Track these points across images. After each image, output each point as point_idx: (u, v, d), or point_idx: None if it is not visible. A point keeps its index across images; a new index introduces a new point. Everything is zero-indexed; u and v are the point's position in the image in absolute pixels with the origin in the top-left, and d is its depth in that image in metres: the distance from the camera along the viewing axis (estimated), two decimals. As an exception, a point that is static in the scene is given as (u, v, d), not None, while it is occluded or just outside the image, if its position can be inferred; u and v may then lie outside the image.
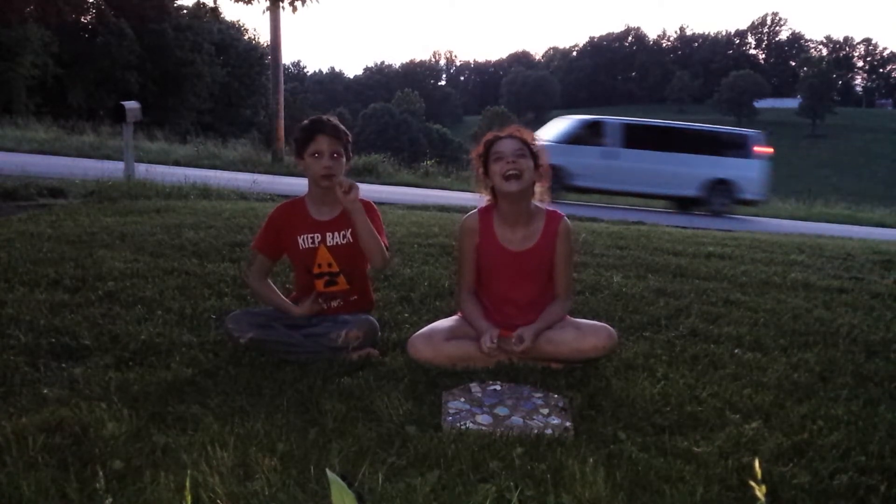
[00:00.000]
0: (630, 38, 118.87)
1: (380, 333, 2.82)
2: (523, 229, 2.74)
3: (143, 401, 2.14)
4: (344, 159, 2.77)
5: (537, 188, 2.74)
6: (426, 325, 2.80)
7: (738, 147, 14.02)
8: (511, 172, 2.61)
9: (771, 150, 14.61)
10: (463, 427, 2.05)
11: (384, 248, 2.75)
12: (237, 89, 45.60)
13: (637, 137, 13.62)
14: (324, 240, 2.80)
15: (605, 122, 14.11)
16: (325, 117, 2.80)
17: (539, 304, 2.75)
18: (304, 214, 2.84)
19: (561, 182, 13.06)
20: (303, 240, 2.80)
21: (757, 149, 14.06)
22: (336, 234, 2.80)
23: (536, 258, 2.73)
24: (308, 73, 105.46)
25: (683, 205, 14.00)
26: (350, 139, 2.81)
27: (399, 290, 3.66)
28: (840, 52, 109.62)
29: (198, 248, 4.42)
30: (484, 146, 2.75)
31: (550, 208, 2.79)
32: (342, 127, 2.78)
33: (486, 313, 2.74)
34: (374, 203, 2.88)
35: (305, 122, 2.80)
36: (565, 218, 2.77)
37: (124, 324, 2.87)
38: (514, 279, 2.74)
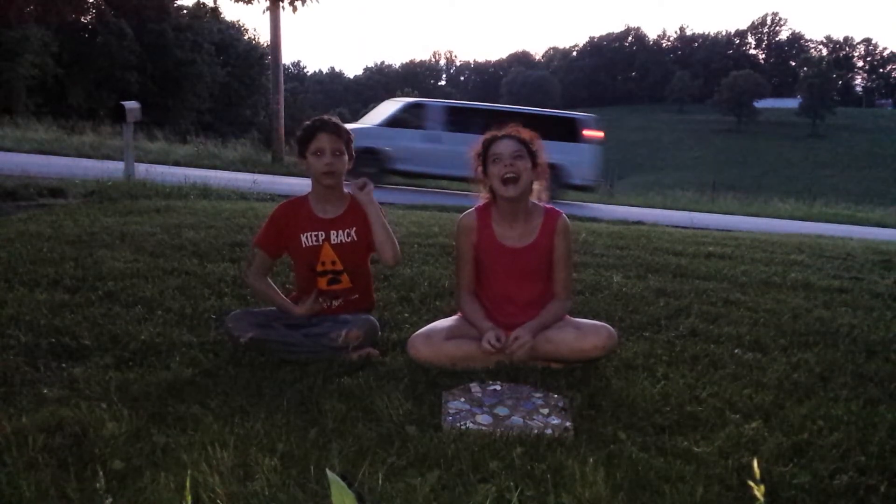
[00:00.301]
0: (630, 38, 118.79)
1: (380, 333, 2.83)
2: (521, 226, 2.74)
3: (143, 401, 2.14)
4: (346, 157, 2.78)
5: (535, 186, 2.74)
6: (426, 325, 2.80)
7: (566, 131, 13.66)
8: (508, 176, 2.62)
9: (601, 134, 14.34)
10: (463, 427, 2.05)
11: (396, 244, 2.79)
12: (237, 89, 45.60)
13: (460, 120, 13.30)
14: (328, 237, 2.80)
15: (427, 105, 13.94)
16: (326, 117, 2.82)
17: (539, 303, 2.75)
18: (308, 212, 2.84)
19: (381, 165, 12.95)
20: (306, 238, 2.81)
21: (587, 133, 13.78)
22: (340, 232, 2.81)
23: (535, 255, 2.73)
24: (308, 73, 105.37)
25: None
26: (352, 138, 2.83)
27: (399, 290, 3.67)
28: (840, 52, 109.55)
29: (198, 248, 4.42)
30: (482, 145, 2.75)
31: (548, 205, 2.79)
32: (344, 126, 2.80)
33: (486, 313, 2.74)
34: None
35: (308, 121, 2.82)
36: (563, 215, 2.78)
37: (124, 324, 2.87)
38: (513, 277, 2.74)
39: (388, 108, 14.40)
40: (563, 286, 2.78)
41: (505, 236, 2.74)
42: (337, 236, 2.81)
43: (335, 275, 2.82)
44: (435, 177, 13.78)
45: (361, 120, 15.02)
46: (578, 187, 13.92)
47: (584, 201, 14.19)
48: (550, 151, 11.64)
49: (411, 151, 13.02)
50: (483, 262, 2.77)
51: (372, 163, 12.95)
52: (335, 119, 2.83)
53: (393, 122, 13.62)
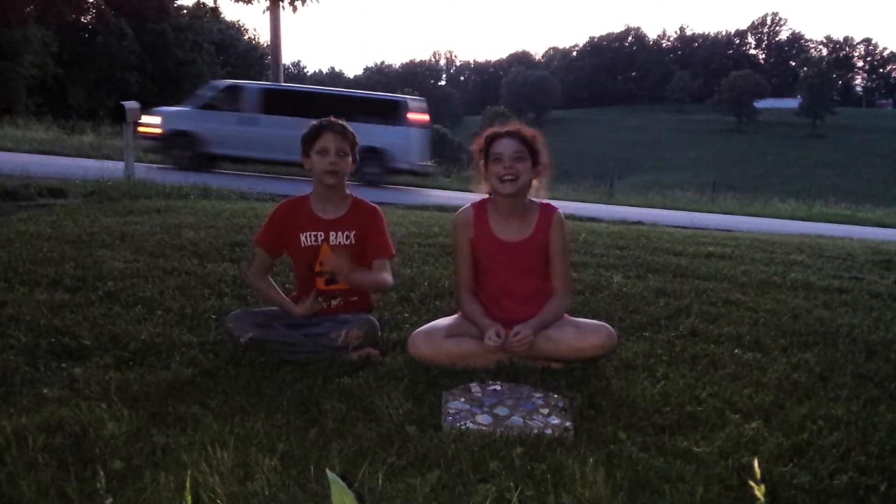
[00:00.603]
0: (630, 38, 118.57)
1: (380, 333, 2.83)
2: (517, 222, 2.76)
3: (143, 401, 2.14)
4: (350, 159, 2.80)
5: (534, 183, 2.76)
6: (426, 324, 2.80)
7: (389, 114, 13.43)
8: (507, 178, 2.64)
9: (427, 117, 14.03)
10: (463, 427, 2.05)
11: (386, 286, 2.89)
12: (237, 89, 45.58)
13: (277, 103, 13.14)
14: (327, 238, 2.81)
15: (244, 87, 13.77)
16: (332, 118, 2.84)
17: (538, 298, 2.76)
18: (309, 212, 2.85)
19: (194, 149, 12.77)
20: (305, 237, 2.81)
21: (411, 116, 13.53)
22: (339, 233, 2.81)
23: (531, 249, 2.75)
24: (308, 73, 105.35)
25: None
26: (357, 141, 2.84)
27: (399, 290, 3.66)
28: (840, 52, 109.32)
29: (198, 248, 4.42)
30: (485, 141, 2.76)
31: (544, 202, 2.81)
32: (350, 128, 2.82)
33: (486, 310, 2.75)
34: (377, 204, 2.92)
35: (314, 122, 2.84)
36: (559, 210, 2.81)
37: (124, 324, 2.87)
38: (510, 271, 2.76)
39: (208, 90, 14.21)
40: (561, 280, 2.79)
41: (501, 231, 2.76)
42: (336, 238, 2.81)
43: (332, 275, 2.83)
44: (254, 161, 13.54)
45: (183, 103, 14.82)
46: (407, 172, 13.61)
47: (587, 201, 14.14)
48: (372, 135, 11.41)
49: (226, 134, 12.78)
50: (480, 259, 2.78)
51: (186, 146, 12.85)
52: (342, 121, 2.84)
53: (209, 104, 13.37)
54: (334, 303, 2.84)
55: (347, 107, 13.37)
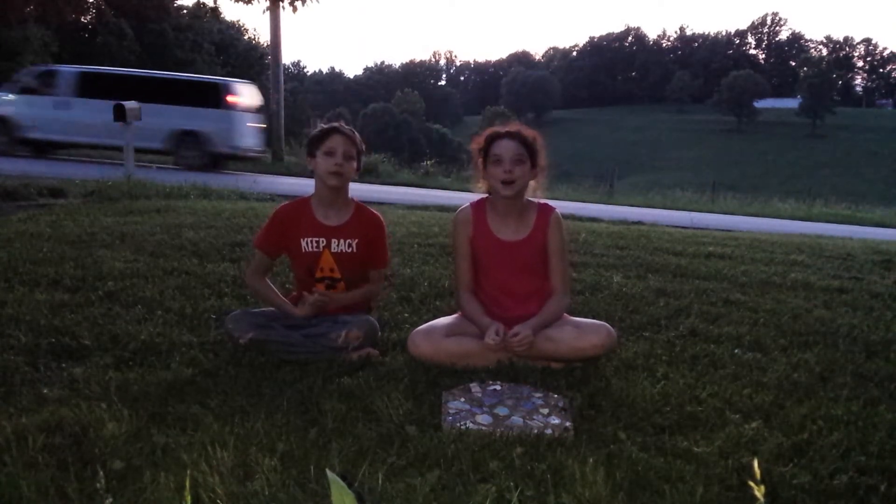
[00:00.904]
0: (630, 38, 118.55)
1: (380, 334, 2.83)
2: (515, 221, 2.77)
3: (143, 401, 2.14)
4: (355, 164, 2.81)
5: (532, 184, 2.77)
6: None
7: (207, 97, 13.30)
8: (507, 181, 2.65)
9: (252, 101, 13.89)
10: (463, 427, 2.05)
11: (373, 295, 2.98)
12: (237, 89, 45.54)
13: (93, 87, 13.10)
14: (328, 245, 2.81)
15: (59, 71, 13.80)
16: (342, 122, 2.88)
17: (537, 297, 2.77)
18: (310, 216, 2.84)
19: (10, 134, 12.84)
20: (306, 243, 2.81)
21: (230, 99, 13.39)
22: (342, 241, 2.81)
23: (530, 248, 2.75)
24: (308, 73, 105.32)
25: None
26: (364, 150, 2.87)
27: (399, 290, 3.67)
28: (840, 52, 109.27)
29: (198, 248, 4.42)
30: (485, 141, 2.76)
31: (542, 202, 2.82)
32: (358, 136, 2.85)
33: (486, 309, 2.75)
34: (376, 206, 2.93)
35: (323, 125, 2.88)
36: (556, 210, 2.82)
37: (124, 324, 2.87)
38: (509, 270, 2.77)
39: (25, 75, 14.27)
40: (560, 279, 2.79)
41: (500, 231, 2.77)
42: (338, 245, 2.81)
43: (332, 281, 2.83)
44: (71, 145, 13.53)
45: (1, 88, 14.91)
46: (231, 156, 13.45)
47: (587, 201, 14.12)
48: (190, 118, 11.16)
49: (41, 119, 12.79)
50: (480, 258, 2.79)
51: (1, 131, 12.95)
52: (351, 127, 2.87)
53: (26, 88, 13.37)
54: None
55: (164, 89, 13.34)
